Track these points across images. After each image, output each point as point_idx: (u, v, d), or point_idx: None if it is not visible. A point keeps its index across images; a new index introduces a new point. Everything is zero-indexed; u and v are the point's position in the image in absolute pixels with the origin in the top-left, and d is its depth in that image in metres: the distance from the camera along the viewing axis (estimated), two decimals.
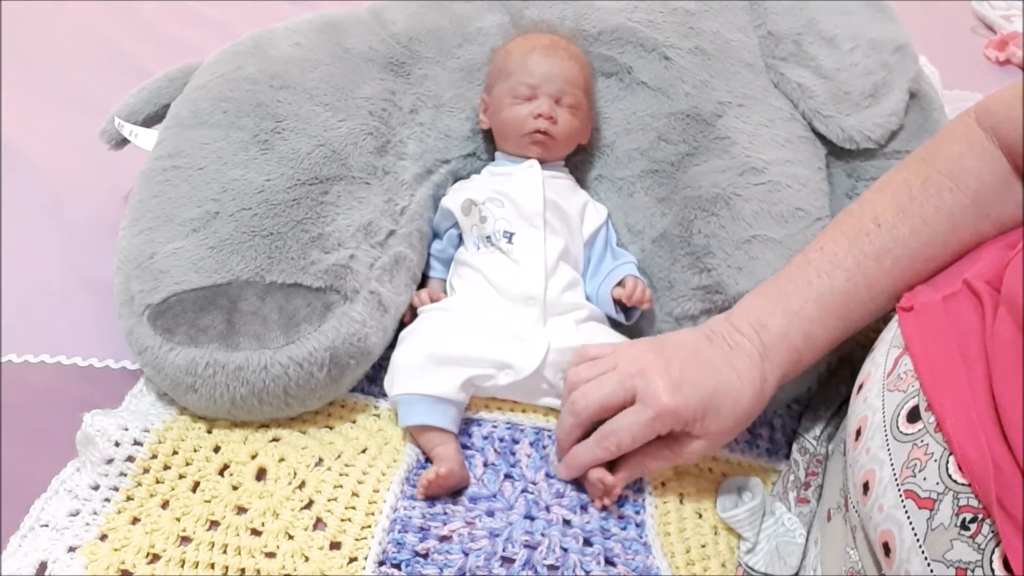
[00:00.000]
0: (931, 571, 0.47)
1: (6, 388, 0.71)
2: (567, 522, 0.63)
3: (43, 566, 0.57)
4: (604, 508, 0.65)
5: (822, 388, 0.77)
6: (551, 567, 0.59)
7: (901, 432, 0.54)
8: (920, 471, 0.50)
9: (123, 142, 0.86)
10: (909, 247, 0.64)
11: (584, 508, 0.65)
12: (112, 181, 0.92)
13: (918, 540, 0.49)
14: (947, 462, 0.49)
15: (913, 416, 0.53)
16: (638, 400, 0.62)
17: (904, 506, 0.50)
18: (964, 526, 0.47)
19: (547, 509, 0.64)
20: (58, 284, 0.83)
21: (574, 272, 0.77)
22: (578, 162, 0.85)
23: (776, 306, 0.65)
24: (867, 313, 0.65)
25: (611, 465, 0.65)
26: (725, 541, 0.66)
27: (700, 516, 0.67)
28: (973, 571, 0.46)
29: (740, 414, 0.63)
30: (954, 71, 1.30)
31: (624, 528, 0.64)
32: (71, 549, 0.58)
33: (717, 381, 0.63)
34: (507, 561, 0.59)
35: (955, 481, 0.48)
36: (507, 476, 0.66)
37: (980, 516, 0.46)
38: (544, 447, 0.69)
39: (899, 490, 0.51)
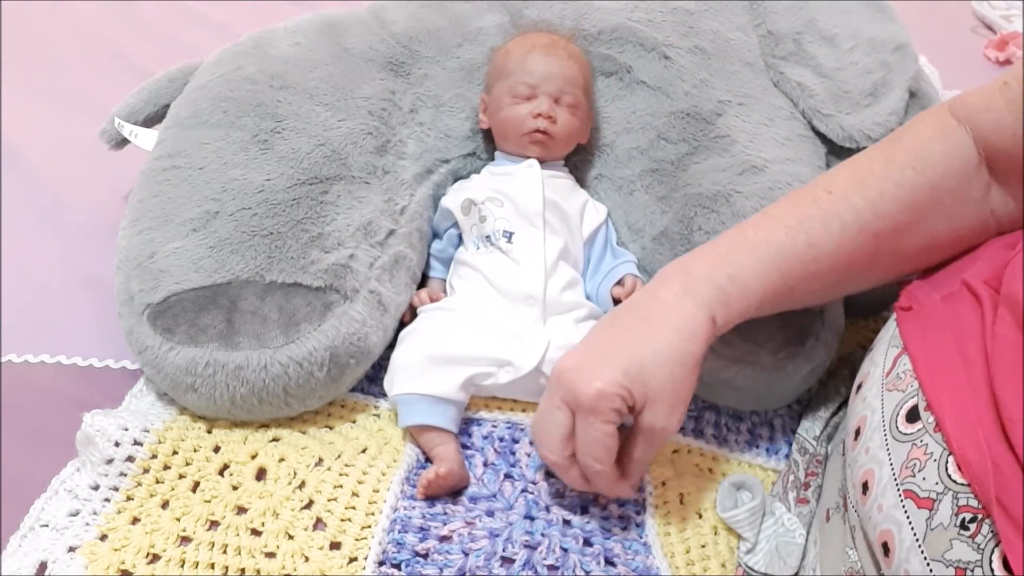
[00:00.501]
0: (930, 571, 0.47)
1: (6, 388, 0.71)
2: (567, 522, 0.63)
3: (43, 566, 0.57)
4: (604, 507, 0.65)
5: (822, 388, 0.77)
6: (551, 567, 0.59)
7: (900, 432, 0.54)
8: (919, 471, 0.50)
9: (123, 142, 0.86)
10: (861, 217, 0.61)
11: (584, 508, 0.65)
12: (112, 181, 0.92)
13: (917, 540, 0.49)
14: (946, 462, 0.49)
15: (912, 416, 0.53)
16: (573, 408, 0.59)
17: (903, 506, 0.50)
18: (963, 526, 0.47)
19: (547, 509, 0.64)
20: (58, 284, 0.83)
21: (574, 271, 0.77)
22: (578, 161, 0.85)
23: (703, 251, 0.63)
24: (809, 274, 0.62)
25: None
26: (725, 541, 0.66)
27: (700, 516, 0.67)
28: (972, 571, 0.46)
29: (668, 365, 0.58)
30: (954, 71, 1.30)
31: (624, 528, 0.64)
32: (71, 549, 0.58)
33: (633, 341, 0.59)
34: (507, 561, 0.59)
35: (954, 481, 0.48)
36: (507, 476, 0.66)
37: (980, 516, 0.46)
38: None
39: (898, 490, 0.51)
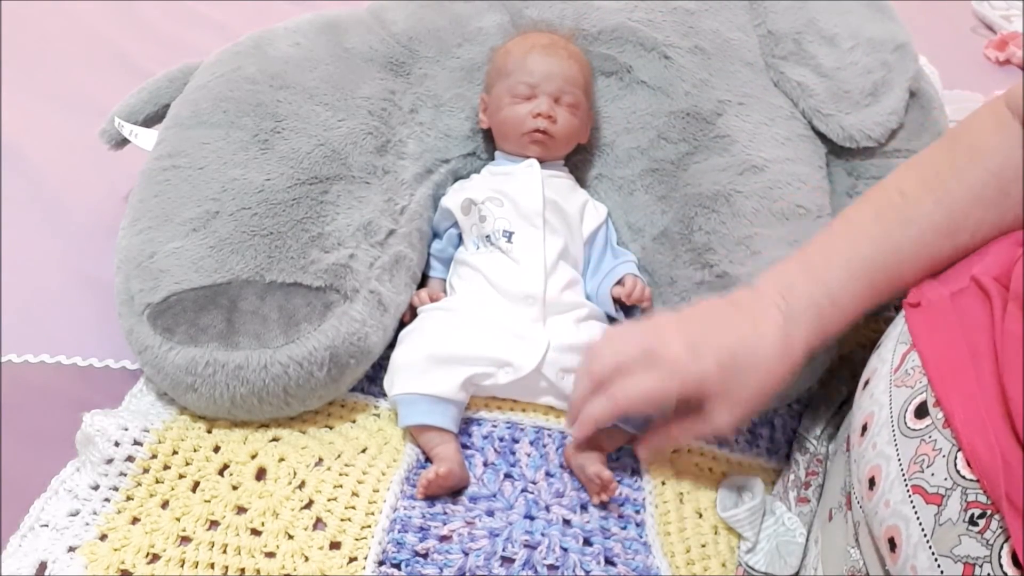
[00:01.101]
0: (938, 566, 0.47)
1: (6, 388, 0.71)
2: (567, 522, 0.63)
3: (43, 566, 0.57)
4: (604, 506, 0.65)
5: (822, 388, 0.77)
6: (551, 567, 0.59)
7: (909, 428, 0.54)
8: (928, 467, 0.50)
9: (123, 142, 0.86)
10: (933, 219, 0.62)
11: (584, 508, 0.65)
12: (112, 181, 0.92)
13: (925, 535, 0.49)
14: (955, 458, 0.49)
15: (921, 412, 0.53)
16: (655, 360, 0.60)
17: (911, 501, 0.50)
18: (972, 521, 0.47)
19: (547, 509, 0.64)
20: (58, 284, 0.83)
21: (574, 271, 0.77)
22: (578, 161, 0.85)
23: (802, 270, 0.64)
24: (893, 282, 0.63)
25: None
26: (725, 541, 0.66)
27: (700, 516, 0.67)
28: (981, 566, 0.46)
29: (764, 377, 0.61)
30: (954, 71, 1.30)
31: (624, 528, 0.64)
32: (71, 549, 0.58)
33: (738, 340, 0.60)
34: (507, 561, 0.59)
35: (963, 477, 0.48)
36: (507, 476, 0.66)
37: (989, 512, 0.46)
38: (544, 446, 0.69)
39: (906, 485, 0.51)
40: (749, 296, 0.64)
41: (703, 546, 0.65)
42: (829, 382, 0.77)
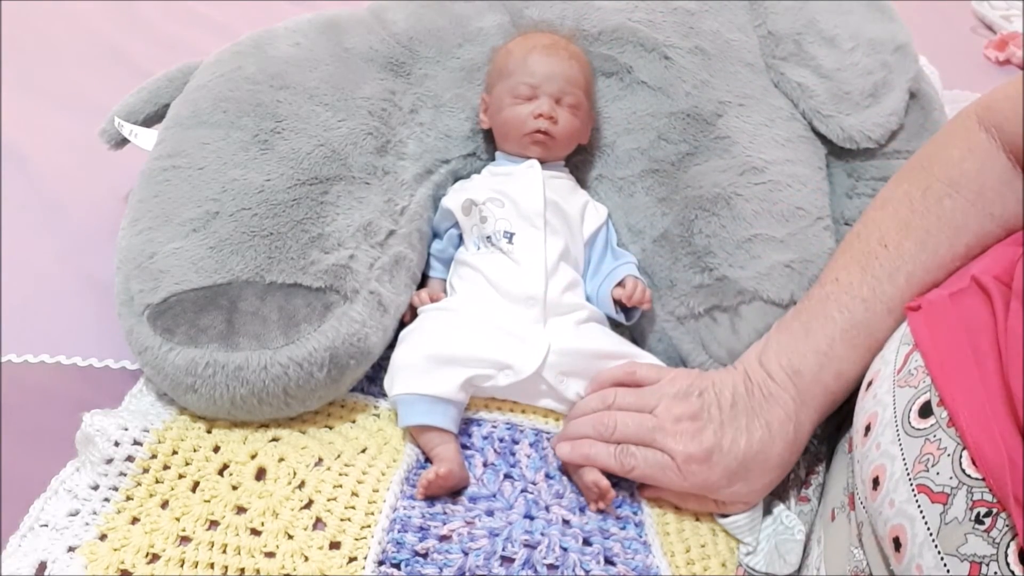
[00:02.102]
0: (944, 565, 0.48)
1: (6, 388, 0.71)
2: (567, 522, 0.63)
3: (43, 566, 0.57)
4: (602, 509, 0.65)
5: None
6: (551, 567, 0.59)
7: (913, 427, 0.54)
8: (933, 466, 0.51)
9: (123, 142, 0.86)
10: (918, 261, 0.64)
11: (583, 509, 0.65)
12: (112, 181, 0.92)
13: (931, 534, 0.49)
14: (960, 457, 0.49)
15: (925, 411, 0.53)
16: (661, 447, 0.63)
17: (917, 500, 0.50)
18: (978, 520, 0.47)
19: (547, 509, 0.64)
20: (58, 284, 0.83)
21: (574, 272, 0.76)
22: (578, 162, 0.85)
23: (806, 348, 0.66)
24: (890, 333, 0.65)
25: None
26: (725, 541, 0.66)
27: (698, 517, 0.67)
28: (988, 565, 0.46)
29: (770, 472, 0.64)
30: (954, 71, 1.30)
31: (624, 528, 0.64)
32: (71, 549, 0.58)
33: (748, 445, 0.63)
34: (507, 561, 0.59)
35: (969, 476, 0.48)
36: (507, 476, 0.66)
37: (995, 510, 0.46)
38: (544, 449, 0.69)
39: (911, 485, 0.51)
40: (761, 378, 0.66)
41: (703, 546, 0.65)
42: None
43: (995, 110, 0.64)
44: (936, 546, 0.48)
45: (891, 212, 0.67)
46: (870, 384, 0.62)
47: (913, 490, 0.51)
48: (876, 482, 0.55)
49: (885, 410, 0.57)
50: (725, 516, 0.66)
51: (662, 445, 0.63)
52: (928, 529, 0.49)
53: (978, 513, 0.47)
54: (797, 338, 0.67)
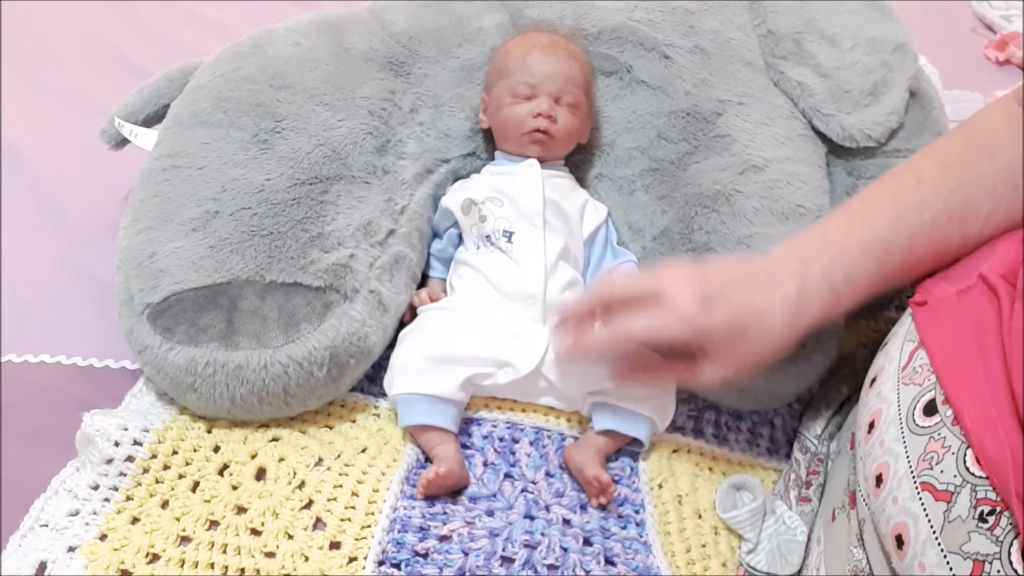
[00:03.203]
0: (947, 563, 0.47)
1: (6, 388, 0.71)
2: (567, 521, 0.63)
3: (43, 566, 0.57)
4: (603, 507, 0.65)
5: (823, 387, 0.77)
6: (551, 567, 0.59)
7: (917, 425, 0.54)
8: (937, 464, 0.50)
9: (123, 142, 0.86)
10: (948, 206, 0.63)
11: (584, 508, 0.65)
12: (112, 181, 0.92)
13: (934, 532, 0.49)
14: (964, 455, 0.49)
15: (930, 409, 0.53)
16: (664, 302, 0.60)
17: (920, 498, 0.50)
18: (982, 518, 0.47)
19: (547, 509, 0.64)
20: (58, 284, 0.83)
21: (574, 271, 0.76)
22: (578, 161, 0.85)
23: (819, 245, 0.64)
24: (903, 266, 0.63)
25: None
26: (725, 541, 0.66)
27: (700, 516, 0.67)
28: (991, 563, 0.46)
29: (767, 343, 0.61)
30: (954, 71, 1.30)
31: (624, 527, 0.64)
32: (71, 549, 0.58)
33: (751, 303, 0.60)
34: (507, 561, 0.59)
35: (973, 474, 0.48)
36: (507, 476, 0.66)
37: (998, 509, 0.46)
38: (544, 447, 0.69)
39: (915, 482, 0.51)
40: (767, 263, 0.64)
41: (703, 546, 0.65)
42: (829, 382, 0.77)
43: None
44: (939, 544, 0.48)
45: (932, 159, 0.66)
46: (874, 381, 0.62)
47: (917, 488, 0.51)
48: (879, 479, 0.54)
49: (889, 407, 0.57)
50: (725, 512, 0.66)
51: (659, 290, 0.60)
52: (931, 527, 0.49)
53: (982, 511, 0.47)
54: (810, 238, 0.65)
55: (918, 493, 0.51)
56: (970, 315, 0.55)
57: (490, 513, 0.63)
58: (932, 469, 0.51)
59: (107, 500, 0.61)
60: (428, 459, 0.67)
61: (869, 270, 0.63)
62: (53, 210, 0.92)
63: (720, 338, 0.59)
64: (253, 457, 0.64)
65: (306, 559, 0.58)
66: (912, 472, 0.52)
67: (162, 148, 0.76)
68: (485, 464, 0.67)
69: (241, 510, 0.61)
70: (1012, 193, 0.63)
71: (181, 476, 0.63)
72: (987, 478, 0.47)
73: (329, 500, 0.61)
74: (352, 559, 0.58)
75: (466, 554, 0.59)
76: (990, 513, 0.47)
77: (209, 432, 0.66)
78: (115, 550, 0.58)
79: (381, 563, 0.58)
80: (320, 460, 0.64)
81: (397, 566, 0.58)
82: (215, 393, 0.64)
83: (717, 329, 0.59)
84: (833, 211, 0.67)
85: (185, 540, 0.59)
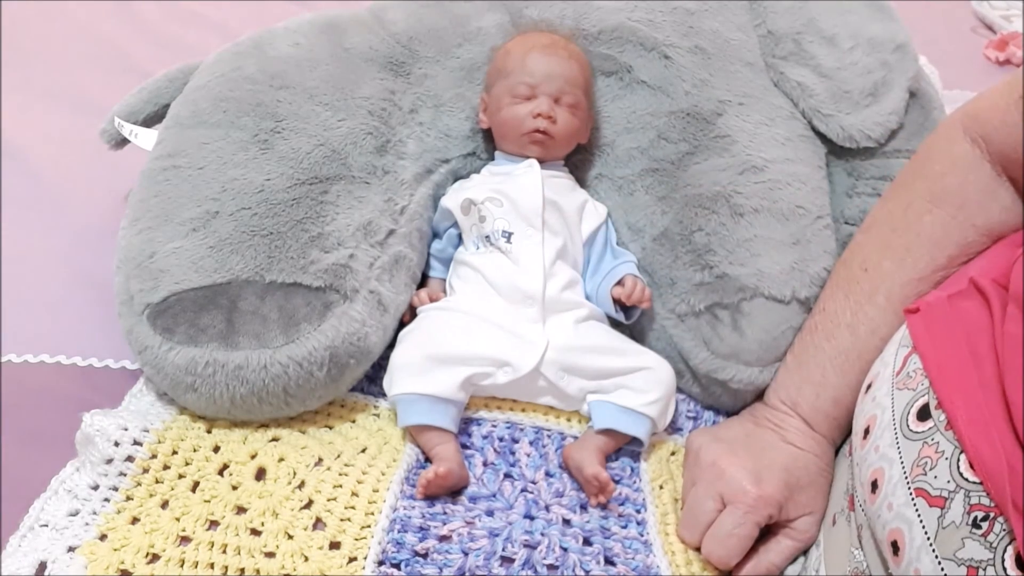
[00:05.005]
0: (942, 569, 0.47)
1: (6, 388, 0.71)
2: (567, 521, 0.63)
3: (43, 566, 0.57)
4: (603, 507, 0.65)
5: None
6: (551, 567, 0.59)
7: (911, 430, 0.54)
8: (931, 469, 0.50)
9: (123, 142, 0.86)
10: (896, 279, 0.65)
11: (584, 507, 0.65)
12: (112, 181, 0.92)
13: (928, 538, 0.49)
14: (958, 460, 0.49)
15: (923, 414, 0.53)
16: (728, 502, 0.62)
17: (914, 504, 0.50)
18: (976, 524, 0.47)
19: (547, 508, 0.64)
20: (58, 284, 0.83)
21: (573, 271, 0.76)
22: (578, 161, 0.85)
23: (800, 380, 0.68)
24: (881, 350, 0.65)
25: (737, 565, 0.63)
26: None
27: None
28: (985, 569, 0.46)
29: (818, 480, 0.64)
30: (954, 71, 1.30)
31: (624, 527, 0.64)
32: (71, 549, 0.58)
33: (785, 458, 0.64)
34: (507, 561, 0.59)
35: (966, 479, 0.48)
36: (507, 476, 0.66)
37: (992, 514, 0.46)
38: (543, 446, 0.69)
39: (909, 488, 0.51)
40: (768, 414, 0.68)
41: None
42: None
43: (981, 120, 0.64)
44: (934, 550, 0.48)
45: (873, 234, 0.69)
46: (869, 387, 0.62)
47: (911, 494, 0.51)
48: (874, 485, 0.54)
49: (884, 413, 0.57)
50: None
51: (719, 495, 0.62)
52: (926, 533, 0.49)
53: (975, 517, 0.47)
54: (791, 371, 0.69)
55: (912, 499, 0.51)
56: (962, 319, 0.55)
57: (490, 513, 0.63)
58: (926, 475, 0.50)
59: (107, 500, 0.61)
60: (428, 459, 0.67)
61: (851, 383, 0.65)
62: (53, 210, 0.92)
63: (784, 499, 0.62)
64: (253, 457, 0.64)
65: (306, 559, 0.58)
66: (906, 478, 0.52)
67: (162, 148, 0.76)
68: (485, 464, 0.67)
69: (241, 510, 0.61)
70: (969, 230, 0.64)
71: (181, 476, 0.63)
72: (981, 484, 0.47)
73: (329, 500, 0.61)
74: (352, 559, 0.58)
75: (466, 554, 0.59)
76: (984, 519, 0.47)
77: (209, 432, 0.66)
78: (115, 550, 0.58)
79: (381, 563, 0.58)
80: (320, 460, 0.64)
81: (397, 566, 0.58)
82: (215, 393, 0.64)
83: (779, 494, 0.62)
84: (803, 327, 0.71)
85: (185, 540, 0.59)
